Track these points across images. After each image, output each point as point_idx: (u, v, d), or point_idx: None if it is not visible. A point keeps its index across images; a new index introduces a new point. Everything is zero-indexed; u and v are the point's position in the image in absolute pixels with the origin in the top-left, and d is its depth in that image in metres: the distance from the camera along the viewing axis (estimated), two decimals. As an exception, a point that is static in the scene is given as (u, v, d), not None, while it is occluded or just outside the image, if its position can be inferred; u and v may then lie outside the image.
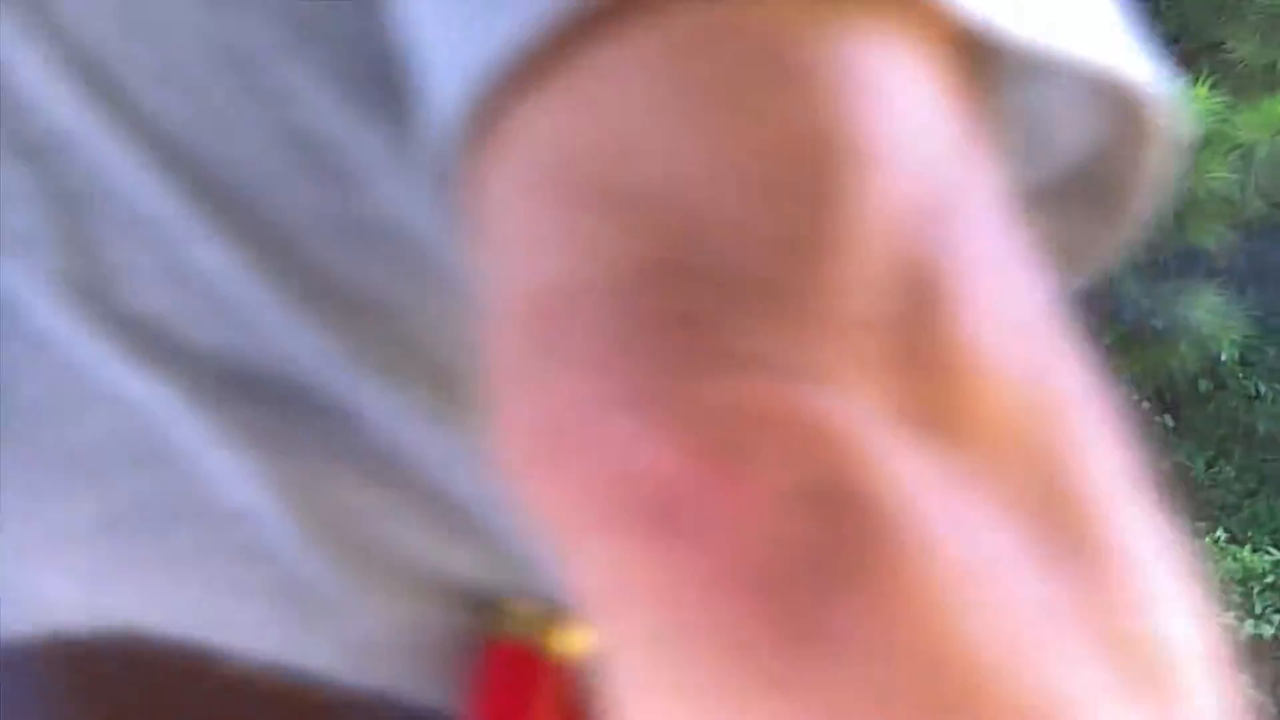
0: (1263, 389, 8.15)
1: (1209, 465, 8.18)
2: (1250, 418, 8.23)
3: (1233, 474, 8.14)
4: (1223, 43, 5.83)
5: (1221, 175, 5.39)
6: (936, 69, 0.34)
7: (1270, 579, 6.95)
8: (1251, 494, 8.00)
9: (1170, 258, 5.97)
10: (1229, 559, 7.12)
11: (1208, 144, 5.40)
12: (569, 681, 0.45)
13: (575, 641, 0.44)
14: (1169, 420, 8.09)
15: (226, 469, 0.43)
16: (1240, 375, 8.18)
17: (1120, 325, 6.23)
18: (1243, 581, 6.96)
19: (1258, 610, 6.73)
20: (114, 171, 0.44)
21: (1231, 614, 6.71)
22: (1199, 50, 6.04)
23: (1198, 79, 5.43)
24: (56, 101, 0.44)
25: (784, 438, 0.29)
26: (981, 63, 0.35)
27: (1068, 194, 0.42)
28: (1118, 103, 0.38)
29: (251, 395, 0.44)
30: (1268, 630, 6.62)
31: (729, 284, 0.31)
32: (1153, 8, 5.94)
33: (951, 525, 0.29)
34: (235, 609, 0.43)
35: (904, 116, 0.33)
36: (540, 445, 0.31)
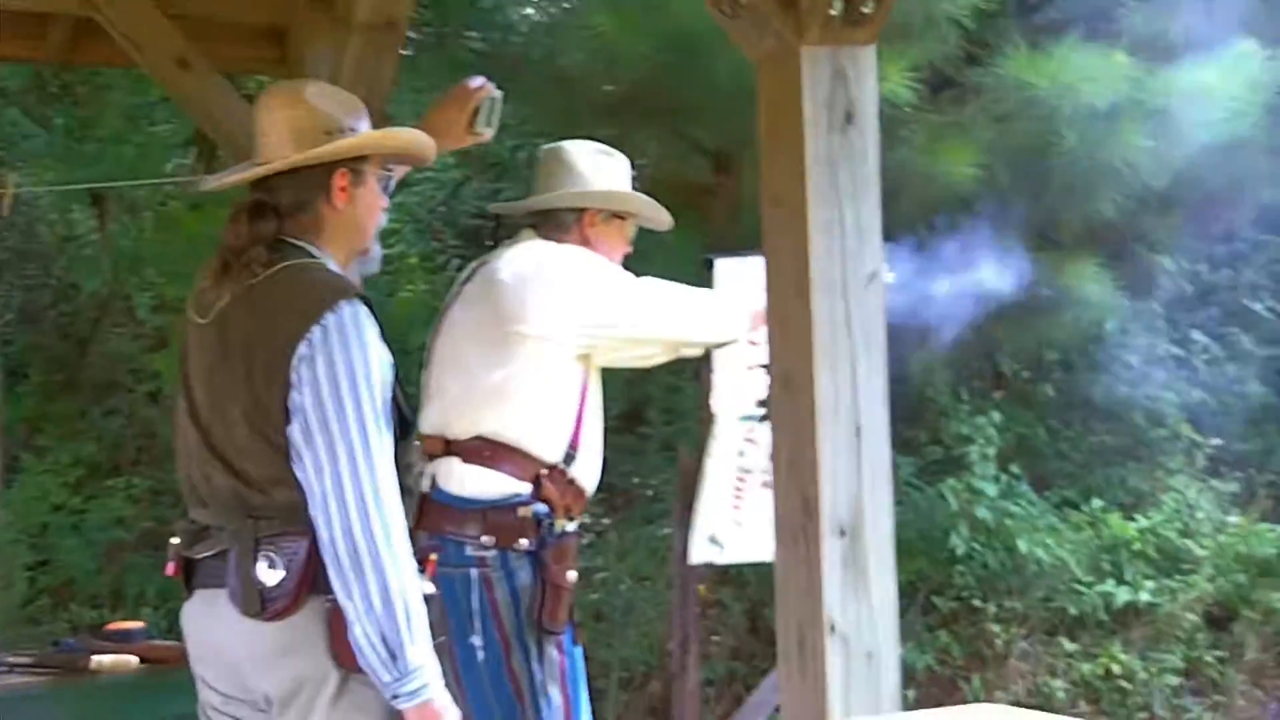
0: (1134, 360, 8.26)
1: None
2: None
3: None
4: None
5: (1137, 143, 5.37)
6: None
7: (1138, 546, 7.06)
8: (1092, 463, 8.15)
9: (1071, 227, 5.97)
10: (1101, 527, 7.23)
11: (1121, 112, 5.39)
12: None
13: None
14: (1050, 390, 8.16)
15: None
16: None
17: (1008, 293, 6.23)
18: (1112, 549, 7.06)
19: (1128, 577, 6.82)
20: None
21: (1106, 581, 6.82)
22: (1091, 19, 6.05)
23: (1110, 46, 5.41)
24: None
25: None
26: None
27: None
28: None
29: None
30: (1143, 597, 6.72)
31: None
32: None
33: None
34: None
35: None
36: None
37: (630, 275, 3.47)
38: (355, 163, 2.62)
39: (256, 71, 5.91)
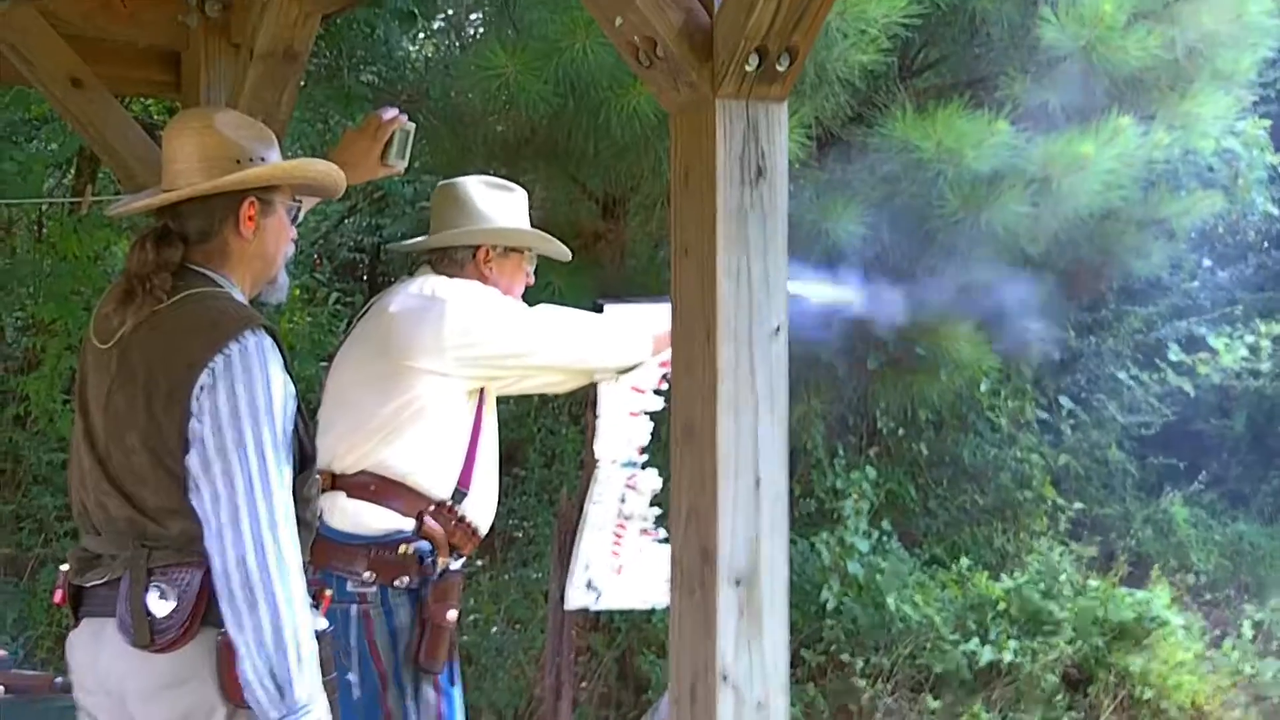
0: (1003, 423, 8.44)
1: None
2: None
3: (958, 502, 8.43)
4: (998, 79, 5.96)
5: (1016, 209, 5.49)
6: None
7: (1002, 606, 7.18)
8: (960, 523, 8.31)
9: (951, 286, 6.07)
10: (968, 586, 7.35)
11: (1002, 178, 5.50)
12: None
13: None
14: (922, 448, 8.29)
15: None
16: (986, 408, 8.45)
17: (885, 351, 6.33)
18: (977, 608, 7.18)
19: (992, 636, 6.93)
20: None
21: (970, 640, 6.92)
22: (975, 85, 6.19)
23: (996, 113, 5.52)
24: None
25: None
26: None
27: None
28: None
29: None
30: (1005, 657, 6.82)
31: None
32: (921, 40, 6.07)
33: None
34: None
35: None
36: None
37: (524, 305, 3.47)
38: (264, 192, 2.60)
39: (150, 94, 5.83)
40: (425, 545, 3.25)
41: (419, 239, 3.62)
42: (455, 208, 3.52)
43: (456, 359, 3.27)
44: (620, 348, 3.51)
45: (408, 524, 3.25)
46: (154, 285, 2.46)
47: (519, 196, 3.60)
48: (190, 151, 2.55)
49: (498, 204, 3.54)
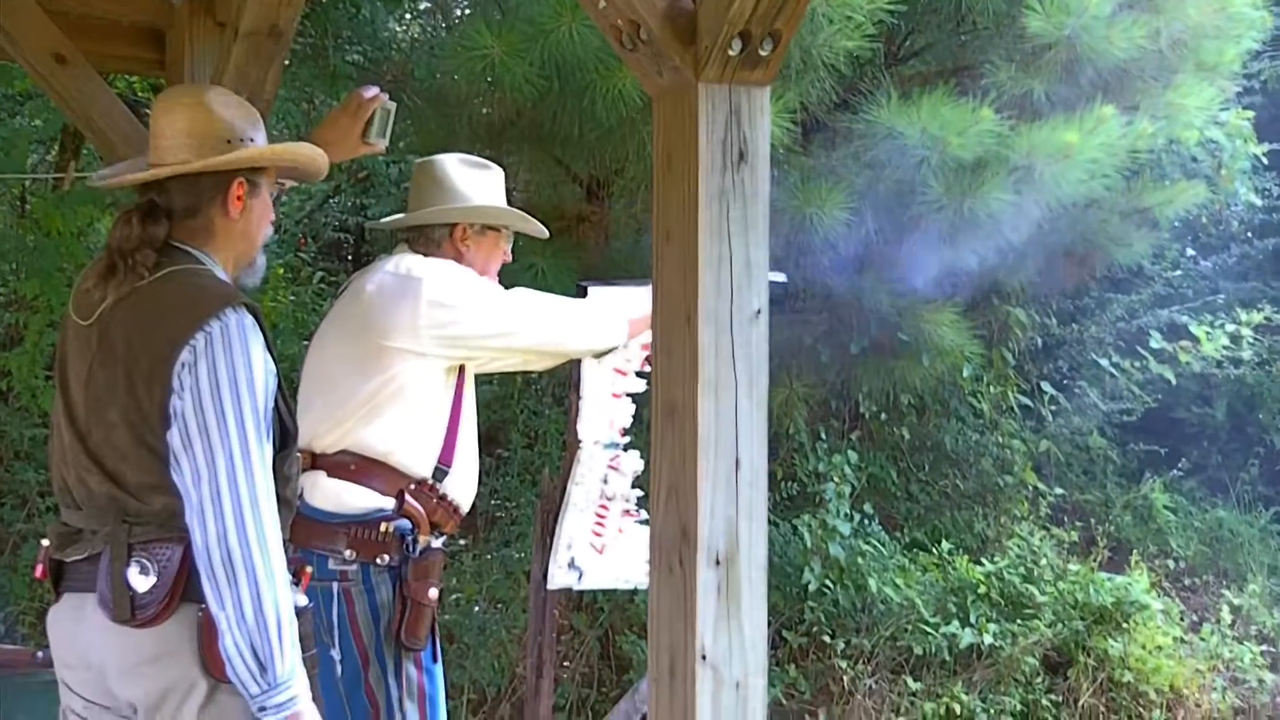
0: (985, 408, 8.47)
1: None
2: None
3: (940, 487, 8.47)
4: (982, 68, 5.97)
5: (1000, 197, 5.50)
6: None
7: (983, 589, 7.21)
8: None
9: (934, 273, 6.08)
10: (949, 569, 7.38)
11: (986, 165, 5.51)
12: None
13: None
14: (904, 432, 8.32)
15: None
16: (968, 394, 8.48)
17: (867, 336, 6.35)
18: (958, 591, 7.21)
19: (972, 619, 6.97)
20: None
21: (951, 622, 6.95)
22: (960, 72, 6.20)
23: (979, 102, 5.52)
24: None
25: None
26: None
27: None
28: None
29: None
30: (986, 640, 6.86)
31: None
32: (907, 27, 6.08)
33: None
34: None
35: None
36: None
37: (499, 287, 3.49)
38: (252, 173, 2.61)
39: (134, 71, 5.81)
40: (406, 524, 3.27)
41: (396, 216, 3.63)
42: (432, 186, 3.53)
43: (432, 338, 3.28)
44: (596, 331, 3.54)
45: (388, 503, 3.27)
46: (136, 261, 2.47)
47: (496, 175, 3.60)
48: (181, 128, 2.56)
49: (475, 182, 3.55)
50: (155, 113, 2.62)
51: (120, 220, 2.53)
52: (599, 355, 3.62)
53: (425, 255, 3.45)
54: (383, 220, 3.77)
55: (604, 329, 3.55)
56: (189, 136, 2.55)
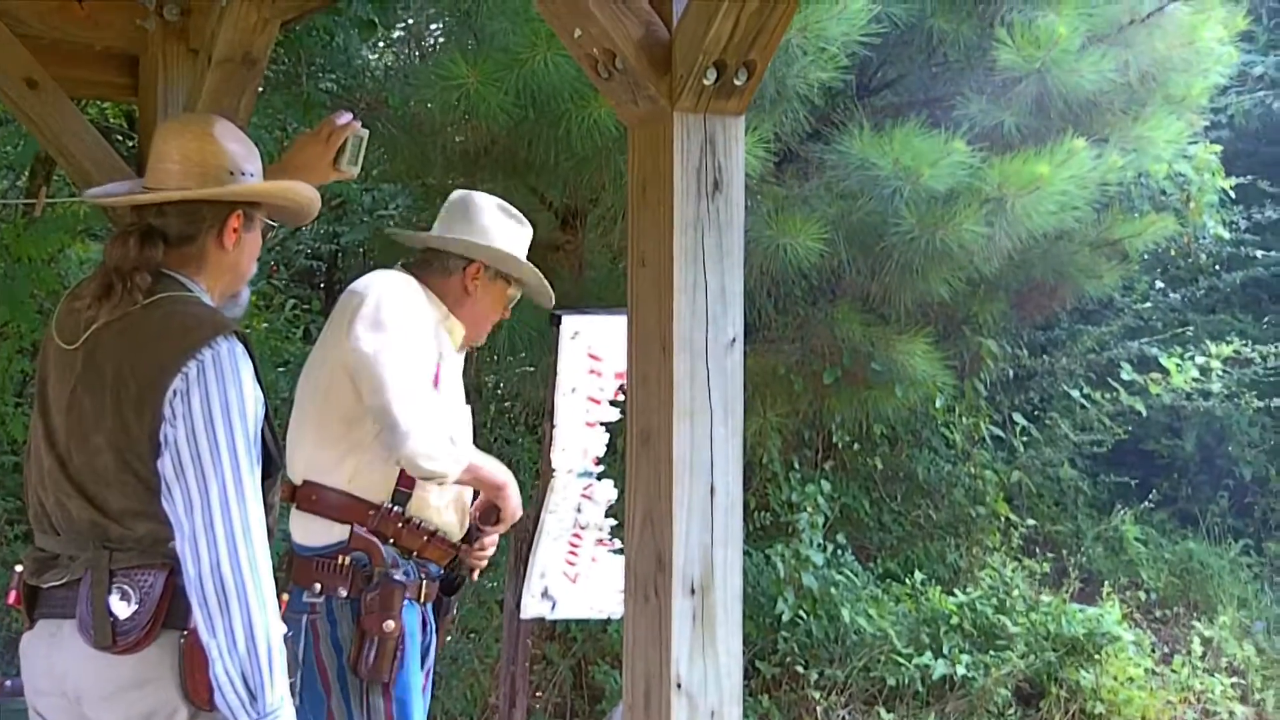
0: (957, 439, 8.49)
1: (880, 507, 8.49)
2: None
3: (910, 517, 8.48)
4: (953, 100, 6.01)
5: (972, 228, 5.52)
6: None
7: (955, 620, 7.22)
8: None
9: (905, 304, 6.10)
10: (921, 600, 7.39)
11: (958, 197, 5.54)
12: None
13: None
14: (877, 462, 8.33)
15: None
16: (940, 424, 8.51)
17: (840, 366, 6.36)
18: (931, 622, 7.22)
19: (945, 650, 6.97)
20: None
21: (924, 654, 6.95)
22: (932, 104, 6.24)
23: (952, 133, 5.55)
24: None
25: None
26: None
27: None
28: None
29: None
30: (958, 671, 6.86)
31: None
32: (879, 59, 6.12)
33: None
34: None
35: None
36: None
37: (422, 375, 3.21)
38: (250, 207, 2.62)
39: (107, 97, 5.78)
40: (361, 555, 3.22)
41: (420, 233, 3.57)
42: (464, 218, 3.48)
43: (351, 348, 3.14)
44: (438, 455, 3.17)
45: (345, 532, 3.23)
46: (134, 284, 2.46)
47: (526, 231, 3.57)
48: (188, 155, 2.56)
49: (506, 230, 3.50)
50: (161, 136, 2.62)
51: (116, 241, 2.52)
52: (422, 474, 3.21)
53: (422, 280, 3.41)
54: (405, 232, 3.73)
55: (444, 457, 3.19)
56: (195, 164, 2.56)
